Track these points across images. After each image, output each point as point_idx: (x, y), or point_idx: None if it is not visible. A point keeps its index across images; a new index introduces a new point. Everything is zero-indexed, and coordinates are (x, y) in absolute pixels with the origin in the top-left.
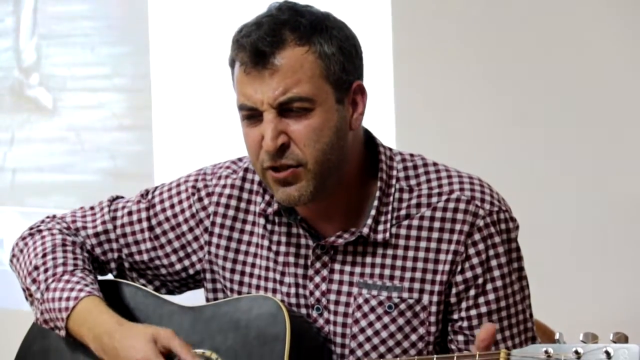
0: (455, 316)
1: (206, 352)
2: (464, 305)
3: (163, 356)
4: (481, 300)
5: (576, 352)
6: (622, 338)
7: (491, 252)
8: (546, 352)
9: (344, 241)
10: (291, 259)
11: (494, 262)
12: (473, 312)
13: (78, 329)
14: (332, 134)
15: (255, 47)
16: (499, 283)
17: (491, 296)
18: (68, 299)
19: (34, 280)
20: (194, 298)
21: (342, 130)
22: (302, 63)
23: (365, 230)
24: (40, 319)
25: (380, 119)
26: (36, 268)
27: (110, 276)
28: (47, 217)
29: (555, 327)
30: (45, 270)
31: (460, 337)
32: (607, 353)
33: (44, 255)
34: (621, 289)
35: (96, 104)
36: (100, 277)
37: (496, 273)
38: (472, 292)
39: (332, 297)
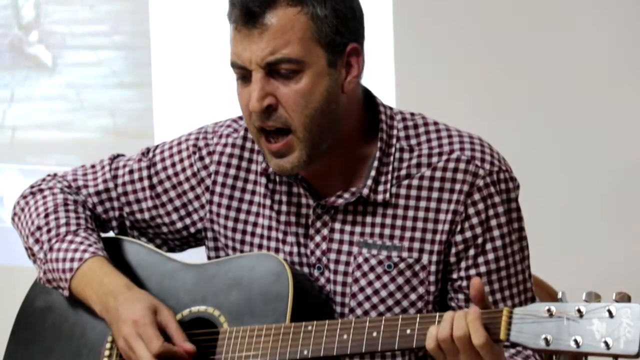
0: (455, 275)
1: (209, 309)
2: (463, 264)
3: (157, 326)
4: (480, 260)
5: (578, 310)
6: (625, 297)
7: (491, 212)
8: (548, 310)
9: (345, 202)
10: (292, 219)
11: (493, 222)
12: (472, 271)
13: (82, 289)
14: (321, 99)
15: (246, 6)
16: (498, 243)
17: (490, 256)
18: (72, 259)
19: (36, 241)
20: (197, 256)
21: (334, 94)
22: (292, 24)
23: (365, 191)
24: (43, 278)
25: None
26: (39, 228)
27: (111, 234)
28: (48, 175)
29: (558, 287)
30: (48, 231)
31: (461, 296)
32: (610, 312)
33: (47, 215)
34: (624, 249)
35: (95, 61)
36: (103, 235)
37: (496, 233)
38: (471, 252)
39: (333, 256)
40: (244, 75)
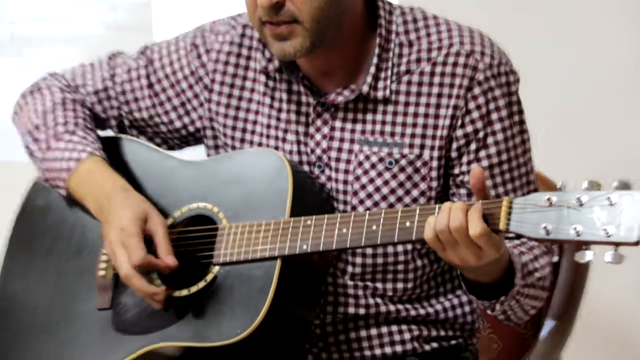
0: (457, 171)
1: (208, 206)
2: (465, 159)
3: (143, 236)
4: (482, 154)
5: (579, 199)
6: (626, 185)
7: (491, 106)
8: (548, 199)
9: (344, 99)
10: (292, 117)
11: (494, 116)
12: (474, 165)
13: (78, 189)
14: None
15: None
16: (499, 136)
17: (492, 150)
18: (69, 159)
19: (35, 140)
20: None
21: None
22: None
23: (365, 88)
24: (41, 177)
25: None
26: (36, 127)
27: (110, 132)
28: (48, 73)
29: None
30: (46, 130)
31: (463, 191)
32: (610, 200)
33: (44, 114)
34: (626, 138)
35: None
36: (102, 133)
37: (497, 126)
38: (472, 146)
39: (333, 154)
40: None
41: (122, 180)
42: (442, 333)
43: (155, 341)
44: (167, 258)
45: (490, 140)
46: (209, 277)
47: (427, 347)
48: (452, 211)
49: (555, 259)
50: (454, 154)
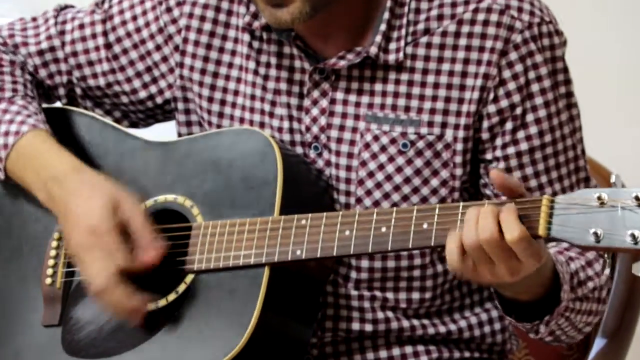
0: (489, 156)
1: (178, 199)
2: (499, 142)
3: (118, 230)
4: (520, 135)
5: (637, 197)
6: None
7: (532, 75)
8: (599, 198)
9: (348, 63)
10: (283, 86)
11: (535, 87)
12: (511, 150)
13: (20, 171)
14: None
15: None
16: (542, 113)
17: (533, 129)
18: (7, 133)
19: None
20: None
21: None
22: None
23: (373, 49)
24: None
25: None
26: None
27: (58, 104)
28: None
29: (612, 168)
30: None
31: None
32: None
33: None
34: None
35: None
36: (45, 105)
37: (538, 101)
38: (508, 126)
39: (334, 133)
40: None
41: (72, 158)
42: (467, 355)
43: None
44: (147, 253)
45: (530, 118)
46: (181, 287)
47: None
48: (481, 219)
49: (607, 271)
50: (485, 135)
